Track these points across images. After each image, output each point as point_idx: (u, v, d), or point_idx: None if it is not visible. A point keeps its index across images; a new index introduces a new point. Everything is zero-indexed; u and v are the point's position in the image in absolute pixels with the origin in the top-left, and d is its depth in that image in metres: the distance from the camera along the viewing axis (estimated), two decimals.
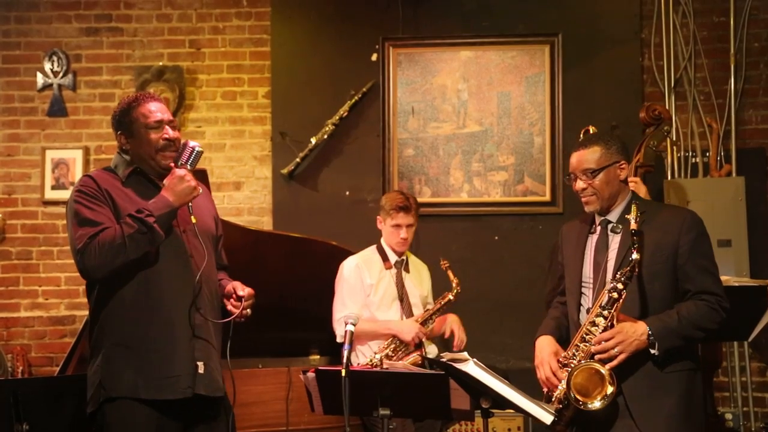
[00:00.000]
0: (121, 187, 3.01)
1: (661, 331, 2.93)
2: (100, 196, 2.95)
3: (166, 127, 3.03)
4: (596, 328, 2.95)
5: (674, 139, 5.31)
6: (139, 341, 2.92)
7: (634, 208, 2.97)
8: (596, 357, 2.93)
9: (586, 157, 3.11)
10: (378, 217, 4.34)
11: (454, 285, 4.28)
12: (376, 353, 4.13)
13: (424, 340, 4.20)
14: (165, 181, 2.98)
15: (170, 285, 2.96)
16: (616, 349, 2.91)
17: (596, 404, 2.88)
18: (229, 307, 3.07)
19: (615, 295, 2.93)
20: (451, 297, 4.27)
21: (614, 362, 2.91)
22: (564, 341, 3.18)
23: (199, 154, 3.03)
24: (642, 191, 3.89)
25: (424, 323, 4.20)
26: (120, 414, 2.90)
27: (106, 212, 2.93)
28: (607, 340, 2.92)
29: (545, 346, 3.18)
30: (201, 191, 3.02)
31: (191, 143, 3.03)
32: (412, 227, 4.28)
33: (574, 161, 3.15)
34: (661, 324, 2.94)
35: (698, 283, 3.01)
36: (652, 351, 2.94)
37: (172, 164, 3.00)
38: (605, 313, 2.94)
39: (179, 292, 2.96)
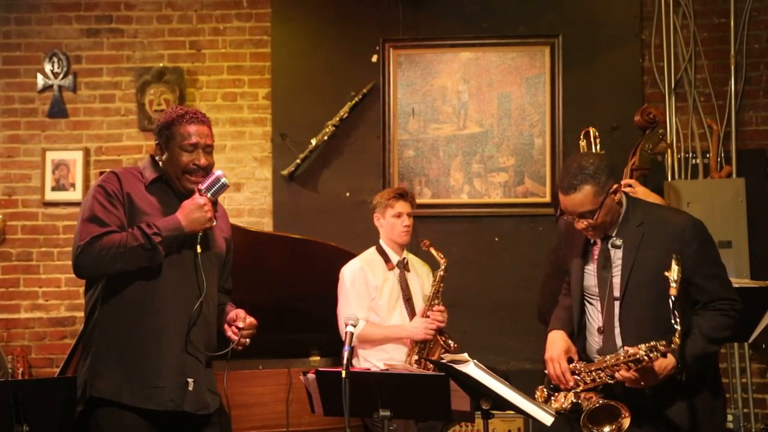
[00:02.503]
0: (143, 190, 3.00)
1: (689, 360, 2.89)
2: (119, 196, 2.95)
3: (201, 152, 2.99)
4: (618, 368, 2.93)
5: (668, 141, 5.29)
6: (129, 346, 2.91)
7: (675, 268, 2.78)
8: (617, 376, 2.93)
9: (579, 199, 2.94)
10: (375, 215, 4.32)
11: (440, 260, 4.25)
12: (406, 362, 4.11)
13: (440, 326, 4.18)
14: (183, 203, 2.96)
15: (170, 297, 2.94)
16: (642, 383, 2.90)
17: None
18: (229, 334, 3.04)
19: (645, 359, 2.84)
20: (442, 273, 4.23)
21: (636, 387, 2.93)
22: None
23: (224, 186, 2.99)
24: (640, 193, 3.88)
25: (429, 314, 4.18)
26: (106, 418, 2.90)
27: (119, 215, 2.92)
28: (635, 378, 2.90)
29: (557, 341, 3.13)
30: (215, 223, 3.01)
31: (218, 172, 3.00)
32: (410, 217, 4.28)
33: (569, 206, 2.97)
34: (688, 354, 2.89)
35: (709, 293, 2.96)
36: (678, 377, 2.91)
37: (197, 188, 2.98)
38: (631, 365, 2.88)
39: (177, 306, 2.94)
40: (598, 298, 3.06)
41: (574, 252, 3.15)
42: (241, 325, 3.02)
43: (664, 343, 2.80)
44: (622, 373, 2.91)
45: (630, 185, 3.88)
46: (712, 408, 3.04)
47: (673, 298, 2.77)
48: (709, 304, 2.96)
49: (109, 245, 2.85)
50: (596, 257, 3.08)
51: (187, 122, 2.99)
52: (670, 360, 2.86)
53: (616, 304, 3.00)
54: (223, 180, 2.99)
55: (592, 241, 3.10)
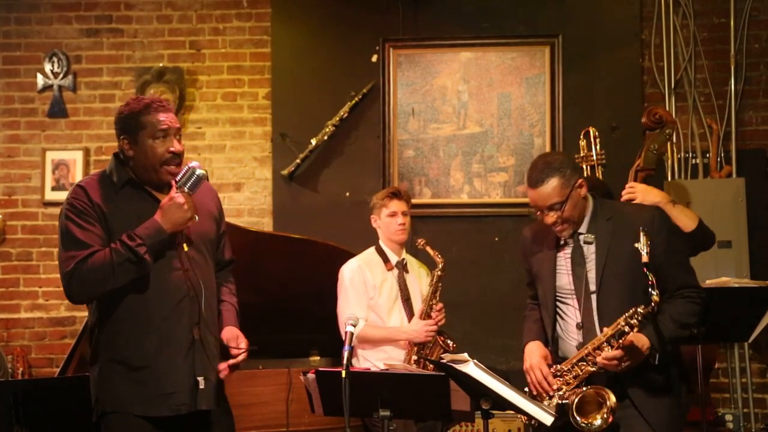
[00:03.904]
0: (114, 199, 2.91)
1: (661, 342, 2.98)
2: (90, 211, 2.88)
3: (173, 138, 2.90)
4: (600, 351, 2.98)
5: (674, 141, 5.29)
6: (133, 358, 2.87)
7: (644, 238, 2.87)
8: (599, 362, 2.97)
9: (547, 192, 3.04)
10: (372, 216, 4.32)
11: (437, 260, 4.24)
12: (406, 362, 4.11)
13: (439, 325, 4.18)
14: (162, 203, 2.86)
15: (164, 302, 2.88)
16: (623, 365, 2.95)
17: (598, 422, 2.94)
18: (222, 373, 2.97)
19: (627, 329, 2.92)
20: (439, 273, 4.23)
21: (615, 371, 2.97)
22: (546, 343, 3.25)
23: (200, 178, 2.87)
24: (640, 190, 3.87)
25: (427, 316, 4.18)
26: (117, 427, 2.88)
27: (96, 230, 2.86)
28: (617, 358, 2.95)
29: (534, 350, 3.24)
30: (197, 219, 2.89)
31: (193, 164, 2.89)
32: (407, 216, 4.28)
33: (537, 199, 3.07)
34: (659, 335, 2.97)
35: (678, 280, 3.05)
36: (651, 360, 2.97)
37: (173, 181, 2.89)
38: (613, 342, 2.95)
39: (174, 309, 2.88)
40: (573, 295, 3.13)
41: (545, 256, 3.23)
42: (235, 353, 2.96)
43: (642, 306, 2.87)
44: (605, 355, 2.94)
45: (631, 187, 3.89)
46: (678, 387, 3.11)
47: (646, 265, 2.85)
48: (677, 291, 3.05)
49: (96, 266, 2.79)
50: (568, 256, 3.15)
51: (155, 111, 2.89)
52: (645, 340, 2.93)
53: (593, 297, 3.08)
54: (198, 172, 2.87)
55: (562, 242, 3.16)
